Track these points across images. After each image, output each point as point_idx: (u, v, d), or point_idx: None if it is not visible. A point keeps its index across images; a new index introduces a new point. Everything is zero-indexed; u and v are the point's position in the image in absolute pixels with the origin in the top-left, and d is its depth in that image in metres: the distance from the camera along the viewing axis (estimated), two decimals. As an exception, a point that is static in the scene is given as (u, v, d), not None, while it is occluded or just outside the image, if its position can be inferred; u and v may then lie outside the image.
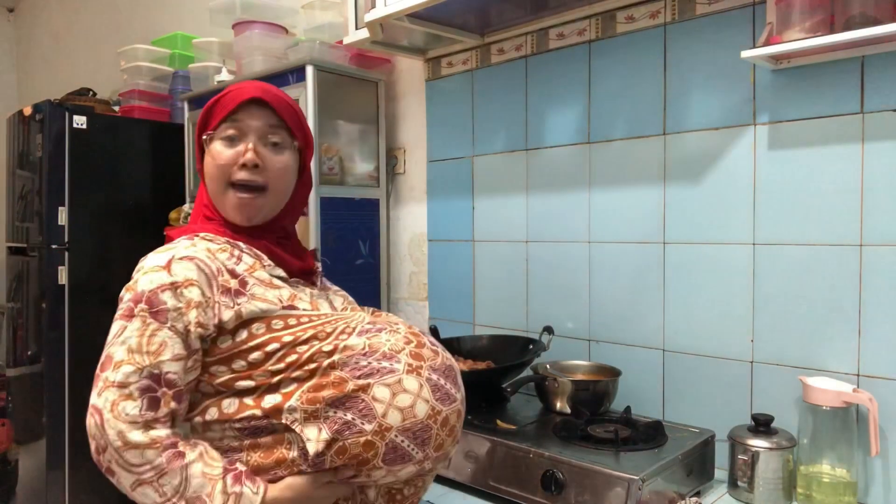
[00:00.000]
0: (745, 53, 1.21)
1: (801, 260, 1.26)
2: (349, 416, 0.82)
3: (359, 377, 0.83)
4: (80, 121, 2.37)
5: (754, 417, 1.21)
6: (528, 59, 1.71)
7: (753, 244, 1.33)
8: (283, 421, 0.83)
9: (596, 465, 1.09)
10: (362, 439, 0.82)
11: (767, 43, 1.22)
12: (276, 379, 0.85)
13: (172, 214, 2.38)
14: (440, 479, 1.29)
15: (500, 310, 1.79)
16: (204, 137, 0.98)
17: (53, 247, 2.32)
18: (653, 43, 1.47)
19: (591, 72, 1.58)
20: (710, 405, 1.39)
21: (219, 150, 0.96)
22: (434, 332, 1.63)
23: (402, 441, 0.83)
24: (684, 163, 1.43)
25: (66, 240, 2.34)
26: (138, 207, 2.49)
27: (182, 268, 0.87)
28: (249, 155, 0.94)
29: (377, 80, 2.01)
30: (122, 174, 2.48)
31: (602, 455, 1.14)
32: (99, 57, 3.65)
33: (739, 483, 1.19)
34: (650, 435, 1.24)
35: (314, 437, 0.82)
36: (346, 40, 1.80)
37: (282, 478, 0.85)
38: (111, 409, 0.81)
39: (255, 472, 0.85)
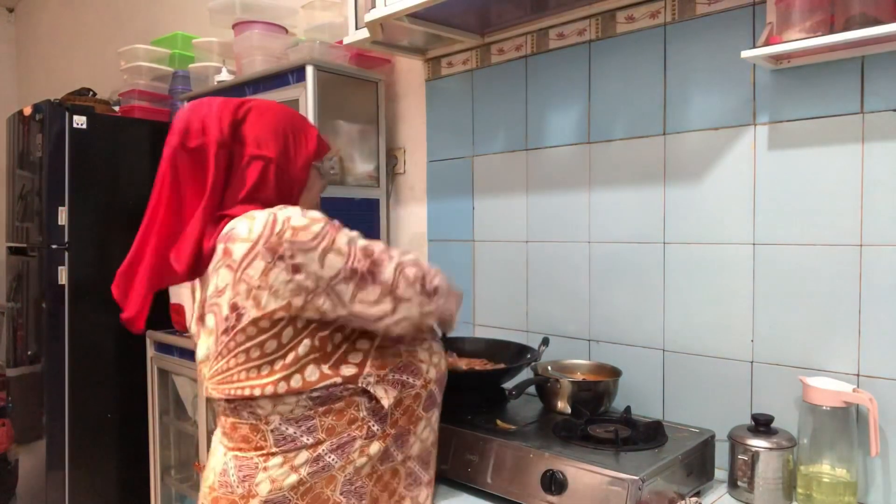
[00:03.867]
0: (745, 53, 1.21)
1: (801, 260, 1.27)
2: (404, 377, 1.05)
3: (408, 344, 1.07)
4: (80, 121, 2.38)
5: (754, 417, 1.21)
6: (528, 59, 1.71)
7: (753, 244, 1.33)
8: (360, 385, 1.00)
9: (596, 465, 1.09)
10: (413, 392, 1.06)
11: (767, 43, 1.22)
12: (346, 343, 1.00)
13: (172, 214, 2.38)
14: (440, 479, 1.28)
15: (500, 310, 1.79)
16: (317, 163, 1.16)
17: (53, 247, 2.33)
18: (653, 43, 1.47)
19: (591, 72, 1.58)
20: (710, 405, 1.39)
21: (317, 177, 1.17)
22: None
23: (434, 389, 1.10)
24: (684, 163, 1.43)
25: (66, 240, 2.34)
26: (138, 207, 2.47)
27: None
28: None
29: (377, 80, 2.01)
30: (122, 174, 2.48)
31: (602, 455, 1.14)
32: (99, 57, 3.65)
33: (739, 483, 1.19)
34: (650, 435, 1.24)
35: (384, 395, 1.02)
36: (346, 40, 1.80)
37: (355, 438, 1.01)
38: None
39: (330, 433, 0.99)
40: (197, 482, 2.18)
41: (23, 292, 2.57)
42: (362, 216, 1.97)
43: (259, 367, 0.97)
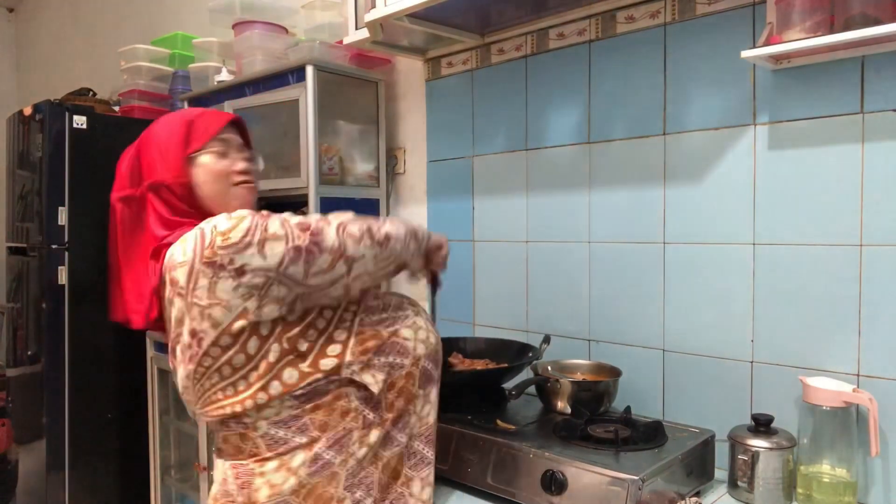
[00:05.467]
0: (745, 53, 1.21)
1: (801, 260, 1.26)
2: (391, 359, 1.04)
3: (388, 326, 1.05)
4: (80, 121, 2.38)
5: (754, 417, 1.21)
6: (528, 59, 1.71)
7: (753, 244, 1.33)
8: (343, 375, 0.99)
9: (596, 465, 1.09)
10: (404, 372, 1.05)
11: (767, 43, 1.22)
12: (322, 338, 0.99)
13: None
14: (440, 479, 1.28)
15: (500, 310, 1.79)
16: (192, 154, 1.09)
17: (53, 247, 2.33)
18: (653, 43, 1.47)
19: (591, 72, 1.58)
20: (710, 405, 1.39)
21: (214, 161, 1.11)
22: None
23: (428, 365, 1.09)
24: (684, 163, 1.43)
25: (66, 240, 2.34)
26: (138, 207, 2.48)
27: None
28: (245, 164, 1.14)
29: (377, 80, 2.01)
30: (122, 174, 2.47)
31: (602, 455, 1.14)
32: (99, 57, 3.65)
33: (739, 483, 1.19)
34: (650, 435, 1.24)
35: (372, 381, 1.01)
36: (346, 40, 1.80)
37: (351, 430, 1.00)
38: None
39: (323, 429, 0.98)
40: (197, 482, 2.18)
41: (23, 292, 2.57)
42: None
43: (234, 384, 0.96)
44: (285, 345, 0.96)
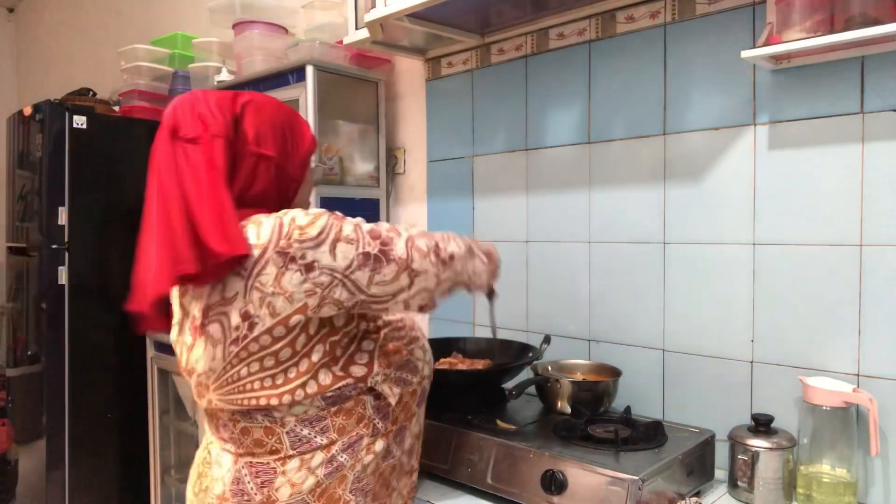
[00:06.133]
0: (745, 53, 1.21)
1: (801, 260, 1.27)
2: (404, 375, 1.07)
3: (407, 344, 1.09)
4: (80, 121, 2.38)
5: (754, 417, 1.21)
6: (528, 59, 1.71)
7: (753, 244, 1.33)
8: (369, 384, 1.02)
9: (596, 465, 1.09)
10: (411, 389, 1.08)
11: (767, 43, 1.22)
12: (352, 346, 1.01)
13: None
14: (440, 479, 1.29)
15: (501, 310, 1.78)
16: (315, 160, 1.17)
17: (53, 247, 2.33)
18: (653, 43, 1.47)
19: (591, 72, 1.58)
20: (710, 405, 1.39)
21: (312, 172, 1.17)
22: None
23: (426, 385, 1.13)
24: (684, 163, 1.43)
25: (66, 240, 2.34)
26: (138, 207, 2.47)
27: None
28: None
29: (377, 80, 2.01)
30: (122, 174, 2.48)
31: (602, 455, 1.14)
32: (99, 57, 3.65)
33: (739, 483, 1.19)
34: (650, 435, 1.24)
35: (390, 393, 1.04)
36: (346, 40, 1.80)
37: (363, 436, 1.02)
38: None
39: (341, 432, 1.00)
40: (197, 482, 2.17)
41: (23, 292, 2.57)
42: (362, 216, 1.95)
43: (274, 377, 0.95)
44: (327, 347, 0.97)
